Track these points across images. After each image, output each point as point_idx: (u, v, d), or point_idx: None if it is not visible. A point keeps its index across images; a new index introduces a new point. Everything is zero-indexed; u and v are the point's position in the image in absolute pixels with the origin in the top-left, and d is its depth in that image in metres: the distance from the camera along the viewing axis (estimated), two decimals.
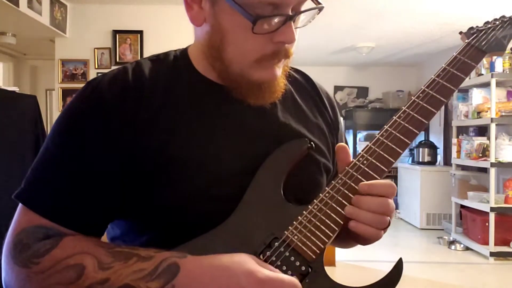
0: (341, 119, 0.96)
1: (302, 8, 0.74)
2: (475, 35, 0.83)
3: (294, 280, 0.64)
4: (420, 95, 0.78)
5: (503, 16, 0.86)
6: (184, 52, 0.84)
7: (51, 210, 0.71)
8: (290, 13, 0.72)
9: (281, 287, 0.62)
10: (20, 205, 0.73)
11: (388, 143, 0.75)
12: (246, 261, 0.64)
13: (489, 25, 0.85)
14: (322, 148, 0.86)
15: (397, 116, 0.77)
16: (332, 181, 0.74)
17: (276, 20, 0.71)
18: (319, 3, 0.76)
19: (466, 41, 0.83)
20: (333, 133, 0.92)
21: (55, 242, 0.69)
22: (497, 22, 0.85)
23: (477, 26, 0.85)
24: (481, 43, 0.81)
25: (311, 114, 0.88)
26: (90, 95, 0.76)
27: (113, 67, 4.28)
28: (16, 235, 0.70)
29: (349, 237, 0.76)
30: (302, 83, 0.92)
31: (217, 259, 0.65)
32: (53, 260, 0.67)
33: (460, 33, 0.86)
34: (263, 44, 0.73)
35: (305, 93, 0.91)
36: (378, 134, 0.76)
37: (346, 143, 0.90)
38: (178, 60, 0.82)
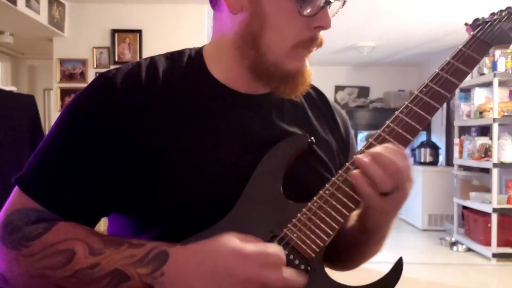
0: (355, 140, 0.96)
1: None
2: (480, 27, 0.81)
3: (279, 250, 0.65)
4: (424, 89, 0.76)
5: (509, 7, 0.83)
6: (199, 52, 0.83)
7: (45, 196, 0.71)
8: None
9: (267, 259, 0.63)
10: (15, 187, 0.73)
11: (390, 139, 0.73)
12: (229, 240, 0.65)
13: (495, 17, 0.83)
14: (328, 164, 0.85)
15: (399, 111, 0.76)
16: (332, 178, 0.73)
17: (317, 4, 0.74)
18: None
19: (472, 33, 0.81)
20: (344, 153, 0.91)
21: (47, 227, 0.68)
22: (504, 13, 0.83)
23: (482, 18, 0.83)
24: (486, 35, 0.79)
25: (321, 130, 0.87)
26: (102, 88, 0.76)
27: (112, 67, 4.27)
28: (8, 216, 0.70)
29: (357, 241, 0.78)
30: (315, 99, 0.91)
31: (202, 244, 0.66)
32: (43, 244, 0.67)
33: (466, 24, 0.84)
34: (302, 29, 0.75)
35: (317, 109, 0.90)
36: (380, 130, 0.75)
37: None
38: (191, 60, 0.82)
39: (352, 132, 0.95)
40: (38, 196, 0.71)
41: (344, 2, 0.79)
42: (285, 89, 0.79)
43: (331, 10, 0.77)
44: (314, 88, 0.92)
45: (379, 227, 0.77)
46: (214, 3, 0.80)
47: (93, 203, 0.73)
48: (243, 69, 0.79)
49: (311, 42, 0.77)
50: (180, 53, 0.83)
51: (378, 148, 0.70)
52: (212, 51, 0.82)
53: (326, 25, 0.76)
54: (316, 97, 0.92)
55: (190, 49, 0.84)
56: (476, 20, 0.83)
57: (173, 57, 0.82)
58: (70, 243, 0.67)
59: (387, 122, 0.75)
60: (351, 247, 0.83)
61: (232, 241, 0.64)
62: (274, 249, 0.64)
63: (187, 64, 0.81)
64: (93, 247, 0.67)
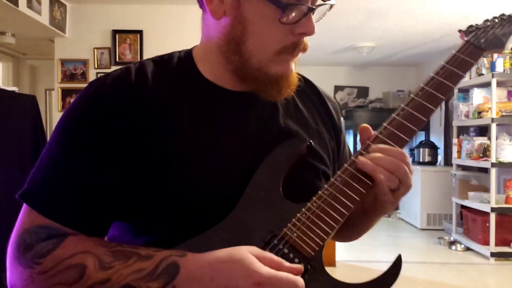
0: (343, 121, 0.97)
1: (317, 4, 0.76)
2: (473, 33, 0.84)
3: (294, 278, 0.63)
4: (419, 92, 0.78)
5: (503, 14, 0.86)
6: (188, 54, 0.84)
7: (54, 210, 0.71)
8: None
9: (279, 287, 0.62)
10: (24, 205, 0.73)
11: (387, 140, 0.75)
12: (245, 259, 0.63)
13: (488, 23, 0.85)
14: (322, 155, 0.86)
15: (396, 113, 0.78)
16: (331, 178, 0.75)
17: (299, 10, 0.73)
18: None
19: (465, 39, 0.83)
20: (336, 138, 0.92)
21: (57, 242, 0.69)
22: (496, 20, 0.85)
23: (476, 24, 0.86)
24: (479, 40, 0.82)
25: (312, 121, 0.88)
26: (93, 96, 0.75)
27: (113, 67, 4.29)
28: (20, 235, 0.71)
29: (361, 215, 0.80)
30: (304, 88, 0.91)
31: (216, 256, 0.65)
32: (55, 260, 0.67)
33: (459, 31, 0.87)
34: (284, 35, 0.74)
35: (307, 99, 0.91)
36: (377, 131, 0.77)
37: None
38: (182, 62, 0.82)
39: (340, 114, 0.96)
40: (47, 211, 0.71)
41: (331, 6, 0.78)
42: (271, 92, 0.79)
43: (318, 12, 0.77)
44: (302, 77, 0.91)
45: (380, 213, 0.82)
46: (201, 4, 0.79)
47: (99, 211, 0.73)
48: (229, 71, 0.79)
49: (294, 48, 0.76)
50: (170, 56, 0.83)
51: (378, 154, 0.73)
52: (201, 53, 0.83)
53: (309, 32, 0.75)
54: (305, 87, 0.92)
55: (179, 52, 0.84)
56: (470, 26, 0.86)
57: (163, 60, 0.82)
58: (80, 257, 0.67)
59: (384, 124, 0.77)
60: (348, 224, 0.87)
61: (247, 259, 0.63)
62: (288, 278, 0.63)
63: (177, 66, 0.81)
64: (103, 260, 0.67)
